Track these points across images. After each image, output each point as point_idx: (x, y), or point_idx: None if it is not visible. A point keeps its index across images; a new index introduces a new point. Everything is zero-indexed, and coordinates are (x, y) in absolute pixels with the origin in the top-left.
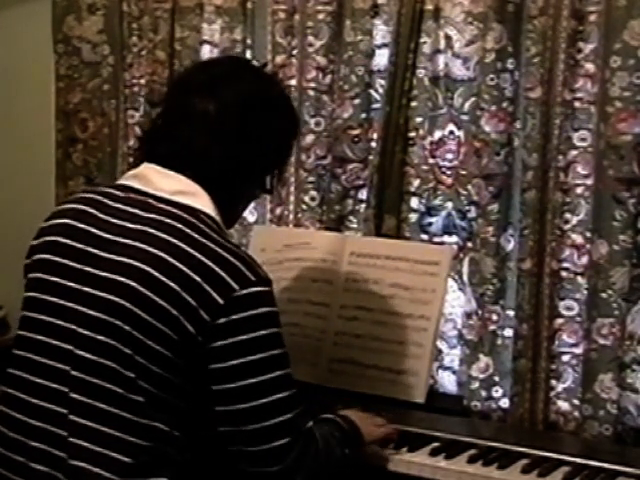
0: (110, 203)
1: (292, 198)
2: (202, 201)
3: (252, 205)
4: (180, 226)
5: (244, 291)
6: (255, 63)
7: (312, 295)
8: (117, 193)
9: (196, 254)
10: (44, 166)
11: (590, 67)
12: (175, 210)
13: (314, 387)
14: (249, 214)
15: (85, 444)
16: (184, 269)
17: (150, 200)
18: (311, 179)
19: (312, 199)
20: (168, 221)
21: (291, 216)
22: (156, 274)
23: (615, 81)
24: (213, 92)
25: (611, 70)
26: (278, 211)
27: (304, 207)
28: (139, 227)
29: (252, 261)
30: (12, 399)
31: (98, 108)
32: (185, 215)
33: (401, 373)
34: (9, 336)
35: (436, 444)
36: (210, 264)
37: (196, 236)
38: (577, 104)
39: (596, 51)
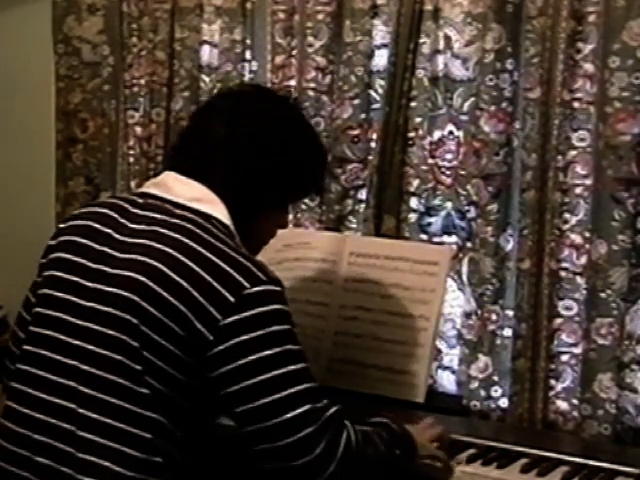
0: (130, 208)
1: None
2: (218, 209)
3: None
4: (192, 227)
5: (255, 289)
6: (280, 93)
7: (312, 295)
8: (137, 199)
9: (207, 254)
10: (44, 166)
11: (589, 67)
12: (190, 215)
13: None
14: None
15: (94, 437)
16: (195, 267)
17: (167, 205)
18: None
19: (312, 199)
20: (181, 223)
21: (291, 216)
22: (166, 270)
23: (614, 81)
24: (230, 117)
25: (610, 70)
26: None
27: (304, 207)
28: (152, 228)
29: (263, 264)
30: (20, 394)
31: (98, 108)
32: (199, 219)
33: (400, 373)
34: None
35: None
36: (221, 263)
37: (208, 237)
38: (576, 104)
39: (595, 51)
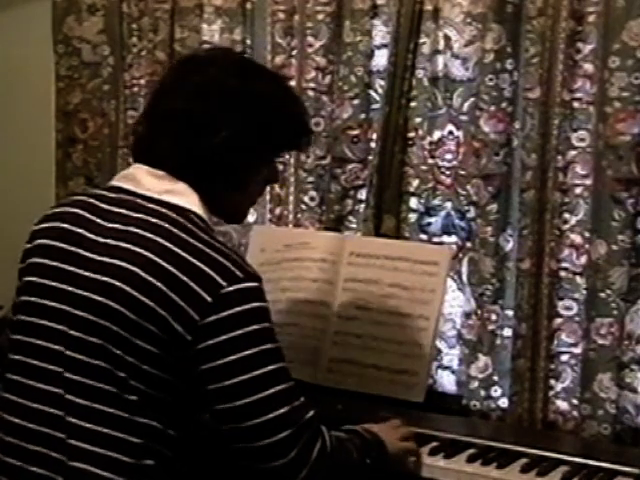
0: (102, 205)
1: (291, 198)
2: (190, 200)
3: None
4: (167, 225)
5: (232, 287)
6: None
7: (311, 295)
8: (108, 195)
9: (182, 253)
10: (44, 166)
11: (589, 67)
12: (163, 209)
13: (313, 387)
14: (249, 214)
15: (84, 445)
16: (170, 269)
17: (139, 200)
18: (310, 179)
19: (311, 199)
20: (155, 221)
21: (290, 216)
22: (142, 274)
23: (614, 81)
24: (176, 88)
25: (610, 70)
26: (277, 211)
27: (303, 207)
28: (127, 228)
29: (239, 258)
30: (8, 403)
31: (98, 108)
32: (172, 214)
33: (400, 373)
34: None
35: (435, 443)
36: (197, 262)
37: (183, 235)
38: (576, 104)
39: (595, 51)
